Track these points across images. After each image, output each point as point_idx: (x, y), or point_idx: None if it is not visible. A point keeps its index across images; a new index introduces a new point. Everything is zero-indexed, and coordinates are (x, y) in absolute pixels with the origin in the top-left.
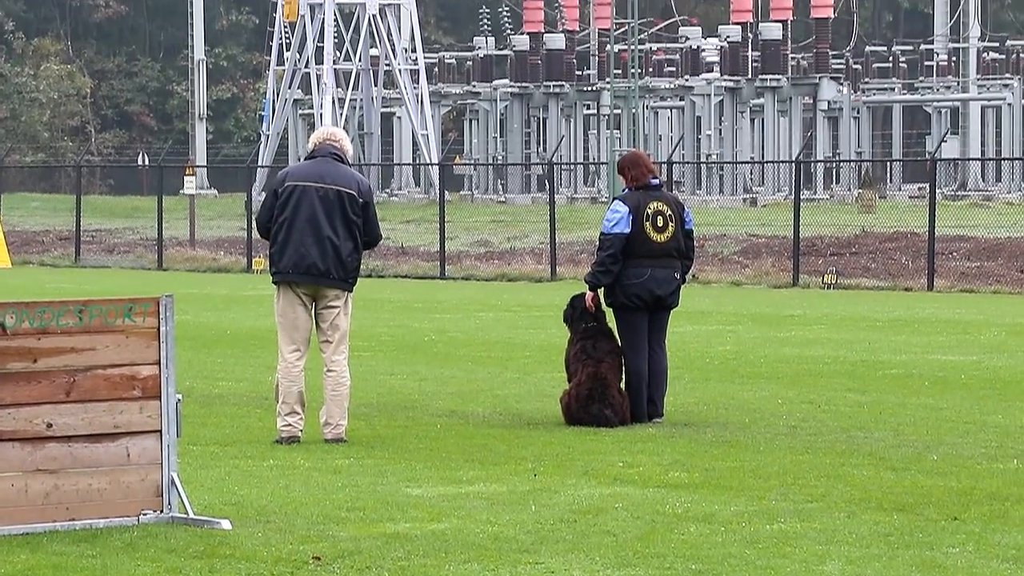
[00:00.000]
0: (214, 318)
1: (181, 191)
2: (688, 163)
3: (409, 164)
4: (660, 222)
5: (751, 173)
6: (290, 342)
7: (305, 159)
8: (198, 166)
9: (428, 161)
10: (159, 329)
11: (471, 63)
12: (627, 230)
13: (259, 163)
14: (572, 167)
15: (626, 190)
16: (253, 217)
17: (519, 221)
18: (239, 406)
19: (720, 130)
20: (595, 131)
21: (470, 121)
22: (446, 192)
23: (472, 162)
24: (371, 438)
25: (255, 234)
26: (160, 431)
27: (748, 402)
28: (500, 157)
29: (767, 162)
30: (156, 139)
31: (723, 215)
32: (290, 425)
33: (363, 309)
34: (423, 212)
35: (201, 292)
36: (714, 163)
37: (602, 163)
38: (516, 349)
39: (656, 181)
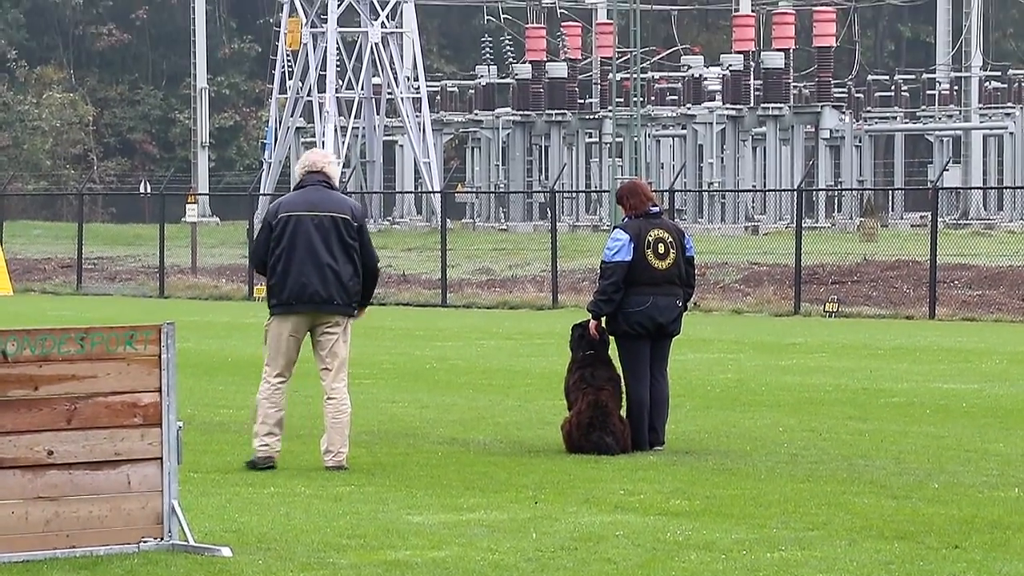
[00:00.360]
0: (216, 346)
1: (183, 219)
2: (690, 191)
3: (411, 192)
4: (661, 249)
5: (753, 201)
6: (276, 368)
7: (294, 189)
8: (200, 194)
9: (430, 189)
10: (160, 356)
11: (473, 91)
12: (628, 258)
13: (261, 191)
14: (574, 195)
15: (627, 219)
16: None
17: (521, 249)
18: (240, 434)
19: (722, 158)
20: (597, 159)
21: (472, 149)
22: (448, 220)
23: (474, 190)
24: (372, 465)
25: None
26: (161, 458)
27: (749, 430)
28: (502, 185)
29: (769, 190)
30: (158, 167)
31: (725, 243)
32: (267, 445)
33: (364, 337)
34: (425, 240)
35: (203, 320)
36: (716, 191)
37: (604, 191)
38: (517, 377)
39: (656, 209)
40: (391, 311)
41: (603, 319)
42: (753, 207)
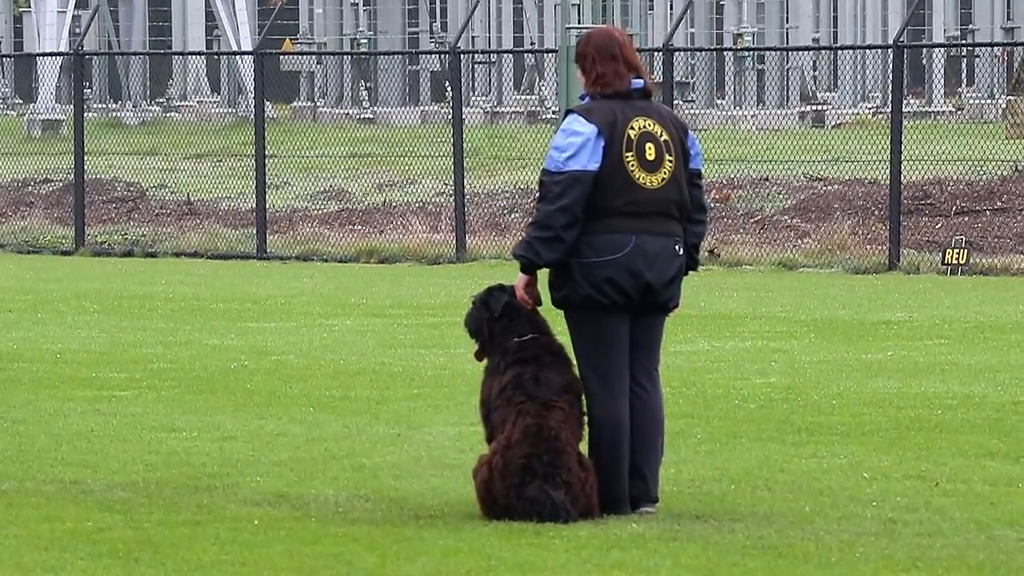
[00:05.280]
0: None
1: None
2: (701, 51)
3: (202, 53)
4: (651, 153)
5: (815, 69)
6: None
7: None
8: None
9: (233, 48)
10: None
11: None
12: (594, 166)
13: None
14: (492, 59)
15: (587, 98)
16: None
17: (399, 155)
18: None
19: None
20: None
21: None
22: (267, 104)
23: (314, 50)
24: (134, 544)
25: None
26: None
27: (809, 476)
28: (364, 42)
29: (842, 48)
30: None
31: (764, 143)
32: None
33: (117, 313)
34: (226, 140)
35: None
36: (747, 51)
37: (547, 50)
38: (395, 383)
39: (640, 83)
40: (165, 265)
41: (537, 273)
42: (815, 79)
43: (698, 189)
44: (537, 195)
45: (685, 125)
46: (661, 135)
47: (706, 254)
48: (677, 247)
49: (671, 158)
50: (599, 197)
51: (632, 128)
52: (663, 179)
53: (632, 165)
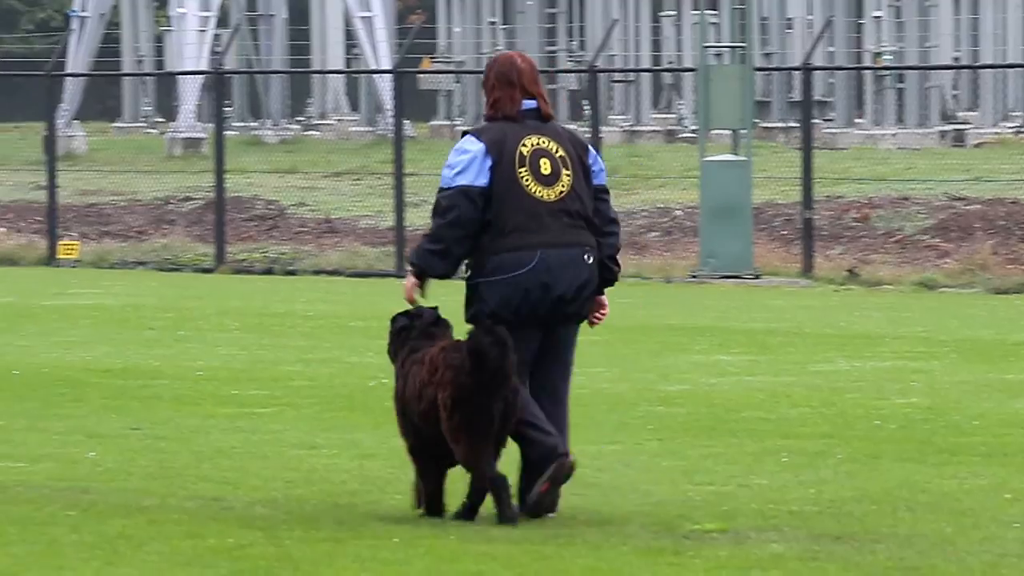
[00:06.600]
0: None
1: None
2: (839, 70)
3: (341, 72)
4: (545, 167)
5: (955, 87)
6: None
7: None
8: None
9: (373, 67)
10: None
11: None
12: (482, 182)
13: (67, 68)
14: (631, 78)
15: (484, 120)
16: (57, 163)
17: None
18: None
19: (897, 8)
20: (674, 12)
21: None
22: (407, 122)
23: (454, 69)
24: (274, 561)
25: (61, 197)
26: None
27: (951, 496)
28: None
29: (983, 67)
30: None
31: (903, 162)
32: None
33: (257, 331)
34: (366, 157)
35: None
36: (886, 70)
37: (685, 69)
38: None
39: (531, 104)
40: (304, 283)
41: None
42: (955, 98)
43: (604, 203)
44: (432, 210)
45: (585, 143)
46: (556, 151)
47: (846, 273)
48: (586, 256)
49: (568, 172)
50: (498, 215)
51: (524, 146)
52: (561, 192)
53: (527, 180)
